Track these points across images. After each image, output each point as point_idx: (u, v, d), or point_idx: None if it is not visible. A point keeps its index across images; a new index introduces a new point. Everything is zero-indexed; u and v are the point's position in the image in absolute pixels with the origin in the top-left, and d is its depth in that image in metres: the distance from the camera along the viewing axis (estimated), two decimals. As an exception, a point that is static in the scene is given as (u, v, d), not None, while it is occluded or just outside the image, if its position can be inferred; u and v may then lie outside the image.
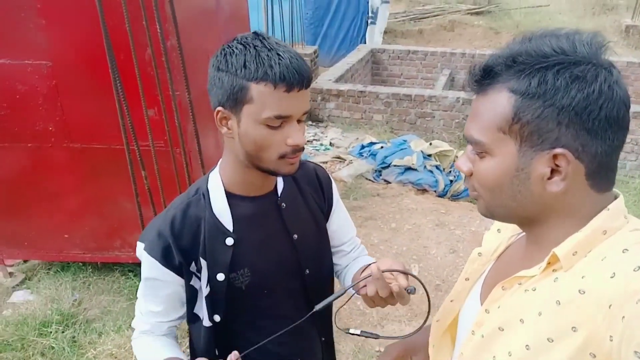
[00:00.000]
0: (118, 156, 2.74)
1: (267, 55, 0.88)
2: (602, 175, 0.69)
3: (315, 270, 1.16)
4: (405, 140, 4.85)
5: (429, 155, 4.62)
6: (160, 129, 2.42)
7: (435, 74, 7.61)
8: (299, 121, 0.95)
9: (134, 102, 2.21)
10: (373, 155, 4.75)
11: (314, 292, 1.17)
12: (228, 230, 1.04)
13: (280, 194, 1.10)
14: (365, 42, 8.69)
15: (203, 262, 1.03)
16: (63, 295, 2.99)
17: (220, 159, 1.07)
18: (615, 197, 0.72)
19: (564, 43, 0.66)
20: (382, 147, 4.83)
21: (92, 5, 2.21)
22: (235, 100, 0.91)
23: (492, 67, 0.69)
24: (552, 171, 0.67)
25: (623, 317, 0.56)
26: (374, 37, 8.93)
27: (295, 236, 1.11)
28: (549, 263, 0.70)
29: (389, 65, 7.83)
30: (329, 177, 1.23)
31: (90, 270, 3.20)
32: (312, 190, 1.18)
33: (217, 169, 1.08)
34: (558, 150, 0.66)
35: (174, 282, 1.05)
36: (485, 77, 0.71)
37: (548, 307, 0.67)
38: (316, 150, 5.10)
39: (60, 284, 3.08)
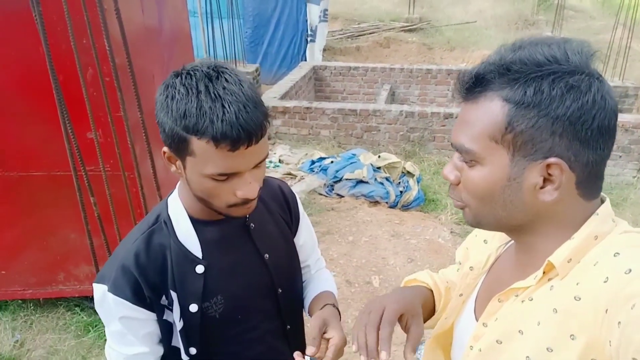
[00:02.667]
0: (59, 183, 2.57)
1: (210, 108, 0.77)
2: (591, 184, 0.69)
3: (288, 289, 1.13)
4: (354, 154, 4.91)
5: (379, 168, 4.69)
6: (106, 152, 2.29)
7: (376, 88, 7.79)
8: (257, 166, 0.87)
9: (74, 125, 2.08)
10: (324, 170, 4.76)
11: (287, 312, 1.14)
12: (197, 258, 0.97)
13: (249, 214, 1.03)
14: (305, 60, 8.78)
15: (173, 295, 0.96)
16: (2, 337, 2.73)
17: (178, 183, 1.00)
18: (602, 201, 0.72)
19: (556, 51, 0.65)
20: (332, 162, 4.86)
21: (26, 24, 2.08)
22: (177, 149, 0.83)
23: (483, 75, 0.68)
24: (544, 180, 0.67)
25: (619, 322, 0.56)
26: (314, 54, 9.05)
27: (267, 256, 1.06)
28: (544, 272, 0.69)
29: (331, 82, 7.94)
30: (293, 192, 1.20)
31: (32, 307, 2.95)
32: (278, 206, 1.14)
33: (175, 194, 1.00)
34: (552, 160, 0.65)
35: (149, 320, 0.97)
36: (476, 84, 0.68)
37: (546, 316, 0.66)
38: (266, 167, 5.05)
39: (-2, 326, 2.82)
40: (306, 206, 4.25)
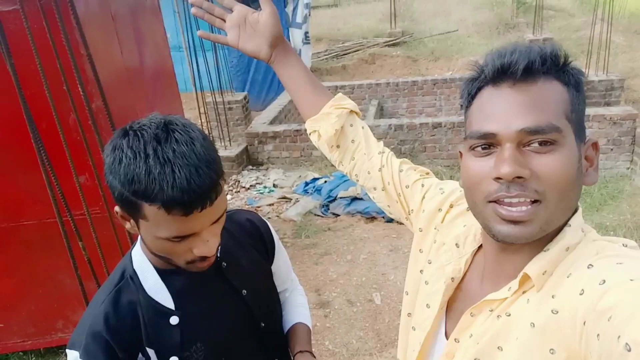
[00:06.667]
0: (50, 230, 2.56)
1: (159, 173, 0.73)
2: None
3: (270, 322, 1.11)
4: (346, 172, 4.92)
5: (372, 183, 4.70)
6: (93, 196, 2.30)
7: (364, 105, 7.84)
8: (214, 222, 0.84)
9: (62, 170, 2.09)
10: (318, 190, 4.77)
11: (272, 344, 1.12)
12: (170, 309, 0.94)
13: (220, 252, 1.01)
14: (293, 83, 8.86)
15: (150, 351, 0.93)
16: (4, 393, 2.70)
17: (140, 236, 0.96)
18: (575, 210, 0.71)
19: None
20: (325, 182, 4.87)
21: (6, 77, 2.11)
22: (129, 211, 0.81)
23: (540, 60, 0.66)
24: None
25: (598, 334, 0.56)
26: (301, 77, 9.12)
27: (244, 292, 1.03)
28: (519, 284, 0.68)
29: (319, 102, 8.00)
30: (264, 221, 1.18)
31: (33, 358, 2.92)
32: (250, 238, 1.11)
33: (138, 247, 0.97)
34: (595, 138, 0.68)
35: None
36: (536, 68, 0.66)
37: (524, 331, 0.65)
38: (260, 193, 5.05)
39: (0, 381, 2.79)
40: (303, 229, 4.24)
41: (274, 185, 5.26)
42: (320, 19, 13.72)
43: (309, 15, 9.44)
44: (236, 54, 9.02)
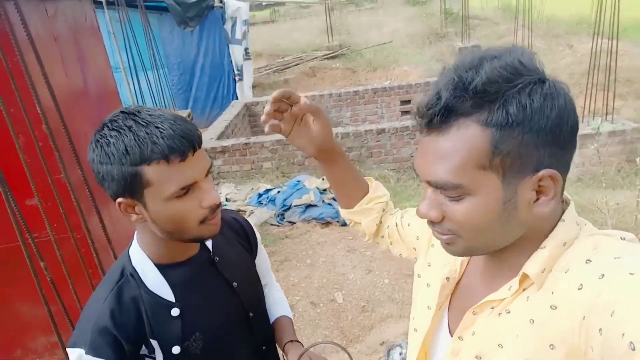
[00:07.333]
0: (2, 258, 2.49)
1: (147, 133, 0.83)
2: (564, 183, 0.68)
3: (257, 311, 1.20)
4: (299, 181, 5.03)
5: (324, 190, 4.83)
6: (48, 217, 2.26)
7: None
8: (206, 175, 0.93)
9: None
10: (272, 201, 4.84)
11: (260, 333, 1.20)
12: (171, 302, 1.00)
13: (212, 248, 1.10)
14: (237, 98, 8.91)
15: (154, 342, 0.98)
16: None
17: (135, 234, 1.03)
18: (566, 203, 0.72)
19: (513, 62, 0.63)
20: (278, 192, 4.95)
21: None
22: (133, 188, 0.87)
23: (454, 105, 0.63)
24: (537, 193, 0.65)
25: (600, 329, 0.56)
26: (244, 92, 9.20)
27: (235, 284, 1.11)
28: (519, 283, 0.69)
29: (265, 116, 8.08)
30: (246, 219, 1.28)
31: (-11, 393, 2.79)
32: (236, 235, 1.20)
33: (135, 245, 1.03)
34: (545, 172, 0.63)
35: None
36: (447, 114, 0.64)
37: (523, 328, 0.66)
38: (214, 209, 5.05)
39: (-47, 422, 2.64)
40: (261, 238, 4.29)
41: (227, 200, 5.27)
42: (259, 35, 13.87)
43: (247, 31, 9.55)
44: (176, 72, 8.98)
